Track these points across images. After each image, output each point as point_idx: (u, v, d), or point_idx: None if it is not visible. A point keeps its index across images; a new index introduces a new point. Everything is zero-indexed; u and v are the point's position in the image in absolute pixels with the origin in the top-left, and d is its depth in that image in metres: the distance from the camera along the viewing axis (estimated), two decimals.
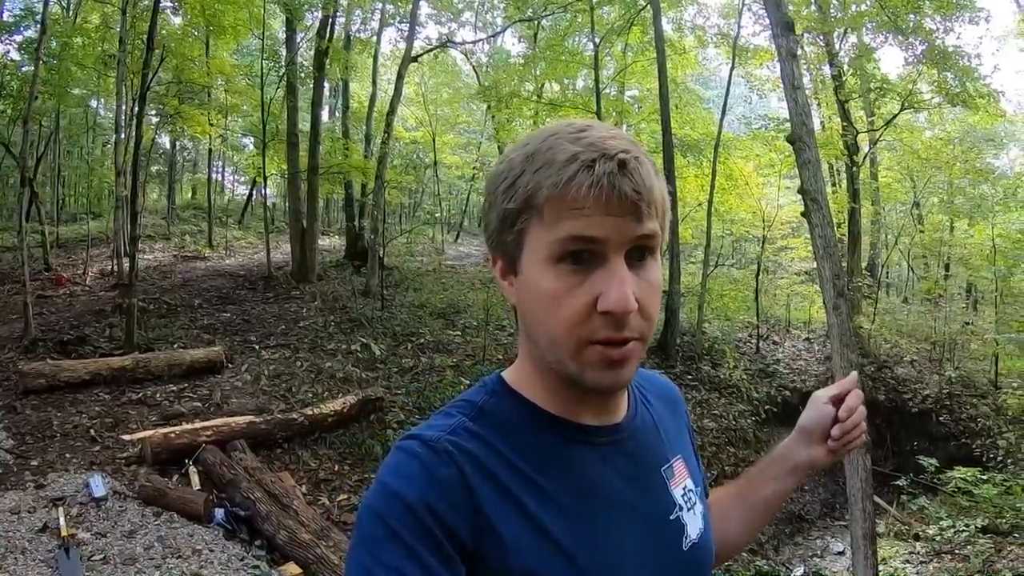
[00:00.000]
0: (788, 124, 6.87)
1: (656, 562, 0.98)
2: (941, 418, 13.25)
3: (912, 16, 13.35)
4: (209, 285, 15.84)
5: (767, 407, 12.76)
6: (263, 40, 18.46)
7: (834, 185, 18.94)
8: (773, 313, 18.00)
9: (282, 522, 6.29)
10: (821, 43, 16.50)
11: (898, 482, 10.56)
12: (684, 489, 1.07)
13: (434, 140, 25.84)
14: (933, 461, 9.99)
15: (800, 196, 6.22)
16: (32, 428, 7.84)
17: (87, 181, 24.59)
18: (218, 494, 6.82)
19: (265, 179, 18.70)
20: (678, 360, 13.30)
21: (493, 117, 22.35)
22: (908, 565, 8.57)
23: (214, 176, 27.99)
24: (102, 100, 23.57)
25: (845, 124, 15.30)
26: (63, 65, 16.09)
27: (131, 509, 6.25)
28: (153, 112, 20.38)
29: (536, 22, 19.15)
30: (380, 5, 20.26)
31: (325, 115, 24.27)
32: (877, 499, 8.08)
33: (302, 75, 17.97)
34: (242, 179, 35.34)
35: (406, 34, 17.88)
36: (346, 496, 7.91)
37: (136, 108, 13.56)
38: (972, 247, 17.56)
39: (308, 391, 10.00)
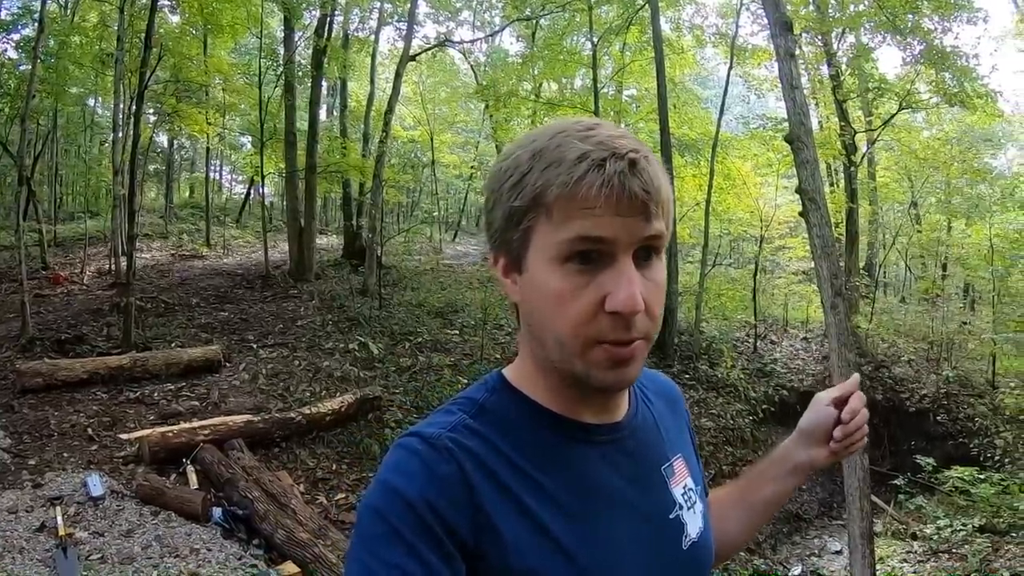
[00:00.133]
0: (786, 124, 6.88)
1: (656, 561, 0.98)
2: (938, 417, 13.27)
3: (910, 16, 13.37)
4: (207, 284, 15.82)
5: (765, 406, 12.77)
6: (261, 39, 18.44)
7: (832, 185, 18.96)
8: (771, 312, 18.01)
9: (280, 521, 6.29)
10: (819, 43, 16.51)
11: (896, 481, 10.57)
12: (684, 488, 1.07)
13: (432, 139, 25.82)
14: (930, 460, 10.02)
15: (798, 195, 6.23)
16: (30, 427, 7.83)
17: (85, 180, 24.53)
18: (216, 493, 6.82)
19: (263, 178, 18.72)
20: (676, 359, 13.31)
21: (491, 116, 22.34)
22: (906, 564, 8.59)
23: (212, 175, 27.98)
24: (100, 99, 23.49)
25: (843, 124, 15.32)
26: (61, 64, 16.06)
27: (129, 508, 6.25)
28: (151, 111, 20.34)
29: (534, 21, 19.17)
30: (378, 4, 20.25)
31: (323, 114, 24.27)
32: (875, 498, 8.10)
33: (300, 74, 17.94)
34: (240, 178, 35.31)
35: (404, 33, 17.86)
36: (344, 495, 7.91)
37: (134, 107, 13.52)
38: (970, 247, 17.60)
39: (306, 390, 10.00)
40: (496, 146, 24.86)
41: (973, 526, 8.80)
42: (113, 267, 15.88)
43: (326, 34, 17.85)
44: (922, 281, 19.26)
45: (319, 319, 13.14)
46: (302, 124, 18.51)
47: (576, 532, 0.90)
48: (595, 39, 16.47)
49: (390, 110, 15.97)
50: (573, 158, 0.84)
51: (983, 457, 11.61)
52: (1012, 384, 13.19)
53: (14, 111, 15.53)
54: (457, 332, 13.54)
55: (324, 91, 22.75)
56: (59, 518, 5.73)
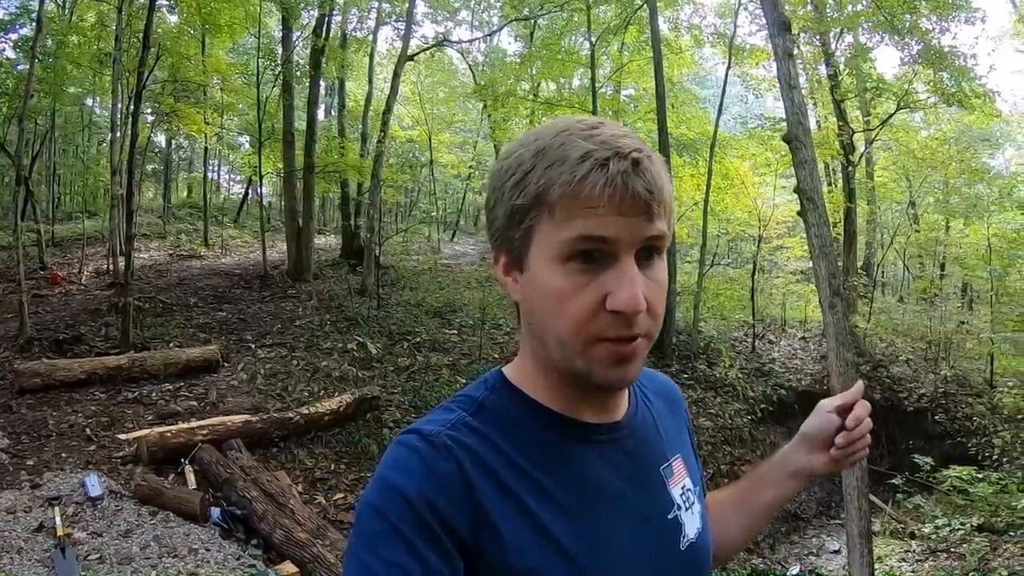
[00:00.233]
0: (784, 123, 6.88)
1: (654, 561, 0.98)
2: (937, 417, 13.29)
3: (908, 16, 13.38)
4: (205, 284, 15.80)
5: (763, 406, 12.78)
6: (259, 38, 18.42)
7: (830, 184, 18.98)
8: (769, 312, 18.02)
9: (278, 521, 6.29)
10: (817, 43, 16.51)
11: (894, 481, 10.57)
12: (683, 488, 1.07)
13: (430, 139, 25.80)
14: (929, 460, 10.03)
15: (796, 195, 6.23)
16: (28, 427, 7.83)
17: (83, 180, 24.49)
18: (214, 493, 6.82)
19: (261, 178, 18.73)
20: (674, 359, 13.31)
21: (489, 116, 22.33)
22: (904, 564, 8.59)
23: (210, 175, 27.92)
24: (98, 98, 23.48)
25: (841, 123, 15.33)
26: (59, 63, 16.03)
27: (127, 508, 6.24)
28: (149, 111, 20.32)
29: (532, 21, 19.16)
30: (376, 4, 20.24)
31: (321, 114, 24.23)
32: (873, 498, 8.10)
33: (298, 74, 17.93)
34: (238, 178, 35.27)
35: (402, 33, 17.86)
36: (342, 495, 7.91)
37: (132, 106, 13.51)
38: (968, 246, 17.63)
39: (304, 390, 9.99)
40: (494, 146, 24.87)
41: (971, 525, 8.81)
42: (111, 267, 15.86)
43: (324, 34, 17.86)
44: (920, 281, 19.30)
45: (317, 319, 13.13)
46: (300, 124, 18.50)
47: (576, 532, 0.90)
48: (593, 39, 16.46)
49: (388, 110, 15.96)
50: (576, 157, 0.84)
51: (981, 456, 11.62)
52: (1010, 383, 13.20)
53: (12, 111, 15.51)
54: (455, 332, 13.54)
55: (322, 91, 22.75)
56: (57, 518, 5.73)
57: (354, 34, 21.67)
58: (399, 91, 17.32)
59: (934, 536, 8.99)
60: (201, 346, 10.86)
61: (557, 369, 0.93)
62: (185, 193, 33.01)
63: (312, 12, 17.60)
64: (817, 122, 18.17)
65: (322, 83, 21.29)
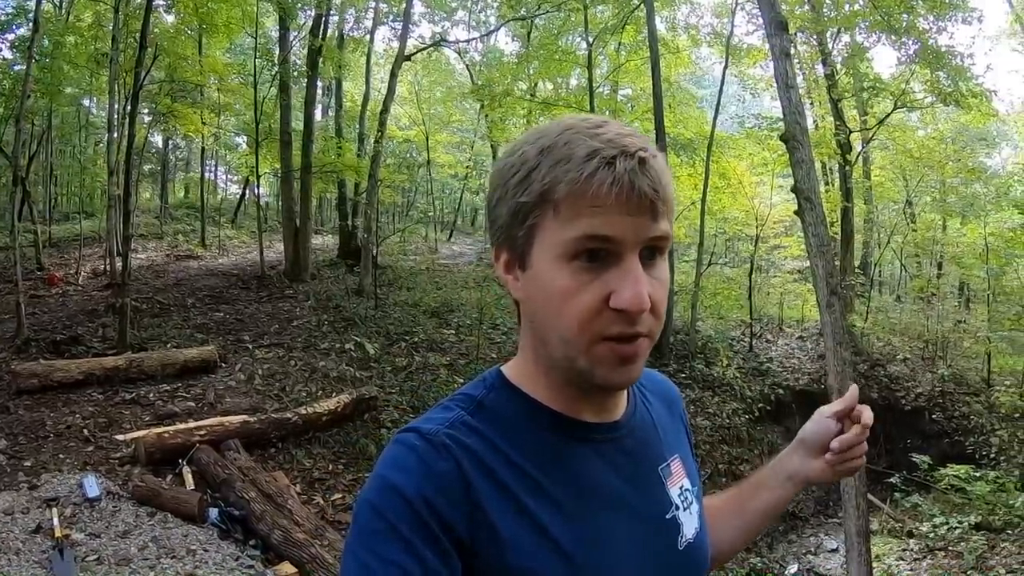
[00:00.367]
0: (781, 123, 6.89)
1: (653, 562, 0.98)
2: (934, 416, 13.31)
3: (905, 16, 13.39)
4: (202, 284, 15.79)
5: (760, 405, 12.78)
6: (256, 39, 18.41)
7: (827, 184, 19.01)
8: (766, 311, 18.03)
9: (277, 522, 6.29)
10: (814, 42, 16.55)
11: (891, 479, 10.58)
12: (681, 489, 1.07)
13: (427, 139, 25.80)
14: (926, 459, 10.05)
15: (793, 195, 6.24)
16: (25, 428, 7.81)
17: (79, 180, 24.48)
18: (212, 494, 6.81)
19: (258, 178, 18.71)
20: (672, 358, 13.32)
21: (486, 116, 22.35)
22: (902, 562, 8.60)
23: (207, 175, 27.87)
24: (95, 99, 23.48)
25: (838, 123, 15.36)
26: (56, 64, 16.00)
27: (125, 509, 6.24)
28: (146, 111, 20.31)
29: (529, 21, 19.16)
30: (373, 4, 20.21)
31: (318, 114, 24.19)
32: (871, 497, 8.11)
33: (295, 74, 17.91)
34: (235, 178, 35.20)
35: (399, 33, 17.85)
36: (341, 495, 7.90)
37: (129, 107, 13.51)
38: (965, 246, 17.64)
39: (302, 390, 9.99)
40: (491, 146, 24.87)
41: (969, 524, 8.83)
42: (108, 268, 15.85)
43: (321, 34, 17.86)
44: (917, 280, 19.30)
45: (315, 319, 13.13)
46: (297, 124, 18.52)
47: (574, 532, 0.89)
48: (590, 39, 16.47)
49: (385, 110, 15.96)
50: (583, 155, 0.83)
51: (978, 455, 11.65)
52: (1007, 382, 13.26)
53: (9, 111, 15.48)
54: (453, 332, 13.54)
55: (319, 91, 22.75)
56: (55, 519, 5.72)
57: (351, 34, 21.72)
58: (396, 91, 17.34)
59: (932, 535, 9.00)
60: (199, 347, 10.84)
61: (558, 368, 0.93)
62: (182, 193, 32.98)
63: (309, 12, 17.61)
64: (814, 121, 18.18)
65: (319, 83, 21.32)
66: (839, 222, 16.80)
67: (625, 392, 1.05)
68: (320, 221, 28.08)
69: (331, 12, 18.56)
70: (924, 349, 15.96)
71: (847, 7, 15.04)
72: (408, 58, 17.72)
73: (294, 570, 5.82)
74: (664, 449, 1.08)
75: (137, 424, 8.23)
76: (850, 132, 15.62)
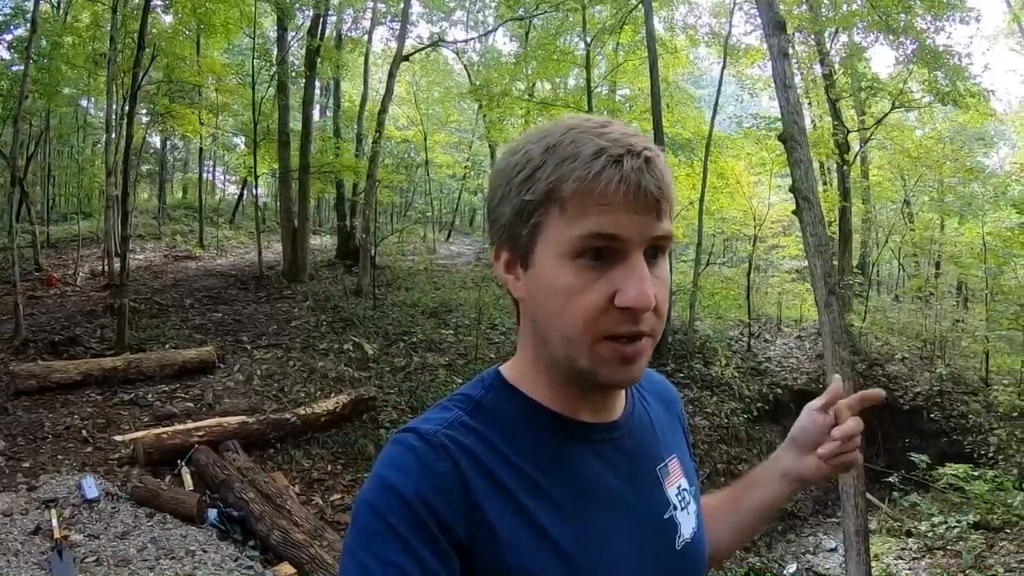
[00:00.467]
0: (779, 123, 6.90)
1: (651, 562, 0.98)
2: (932, 415, 13.31)
3: (903, 16, 13.40)
4: (200, 285, 15.78)
5: (759, 405, 12.80)
6: (254, 39, 18.41)
7: (825, 183, 19.01)
8: (764, 311, 18.05)
9: (276, 522, 6.29)
10: (812, 42, 16.57)
11: (890, 479, 10.60)
12: (678, 488, 1.07)
13: (425, 139, 25.82)
14: (925, 458, 10.06)
15: (791, 194, 6.24)
16: (24, 429, 7.81)
17: (77, 181, 24.46)
18: (211, 495, 6.81)
19: (256, 178, 18.69)
20: (670, 358, 13.33)
21: (484, 116, 22.33)
22: (900, 561, 8.61)
23: (205, 175, 27.89)
24: (92, 99, 23.47)
25: (836, 123, 15.36)
26: (53, 64, 15.99)
27: (124, 510, 6.23)
28: (144, 111, 20.27)
29: (528, 21, 19.16)
30: (371, 4, 20.20)
31: (316, 114, 24.22)
32: (869, 496, 8.12)
33: (293, 74, 17.90)
34: (233, 178, 35.25)
35: (397, 33, 17.84)
36: (339, 496, 7.90)
37: (127, 107, 13.51)
38: (962, 245, 17.67)
39: (300, 391, 9.99)
40: (489, 146, 24.88)
41: (967, 523, 8.84)
42: (106, 268, 15.84)
43: (319, 34, 17.85)
44: (915, 279, 19.31)
45: (313, 320, 13.13)
46: (295, 124, 18.51)
47: (572, 532, 0.89)
48: (588, 39, 16.49)
49: (383, 110, 15.95)
50: (590, 153, 0.84)
51: (977, 454, 11.67)
52: (1005, 381, 13.27)
53: (7, 112, 15.46)
54: (451, 332, 13.54)
55: (317, 91, 22.74)
56: (54, 521, 5.72)
57: (349, 34, 21.71)
58: (394, 91, 17.33)
59: (930, 534, 9.01)
60: (197, 347, 10.83)
61: (559, 367, 0.93)
62: (180, 194, 32.98)
63: (307, 12, 17.59)
64: (812, 121, 18.20)
65: (317, 83, 21.31)
66: (837, 222, 16.80)
67: (623, 392, 1.05)
68: (318, 221, 28.08)
69: (329, 12, 18.56)
70: (922, 348, 15.97)
71: (845, 7, 15.05)
72: (406, 58, 17.73)
73: (293, 571, 5.82)
74: (662, 449, 1.08)
75: (136, 425, 8.22)
76: (848, 132, 15.63)
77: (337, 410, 9.07)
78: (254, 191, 23.41)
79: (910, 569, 8.40)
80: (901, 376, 14.35)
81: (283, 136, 17.24)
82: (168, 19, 17.91)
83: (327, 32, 19.30)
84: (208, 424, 8.04)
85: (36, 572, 5.17)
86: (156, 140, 28.14)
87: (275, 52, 18.16)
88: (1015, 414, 11.80)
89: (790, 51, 6.56)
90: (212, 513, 6.41)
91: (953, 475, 9.52)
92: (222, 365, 10.52)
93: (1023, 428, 11.62)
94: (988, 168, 20.54)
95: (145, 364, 9.69)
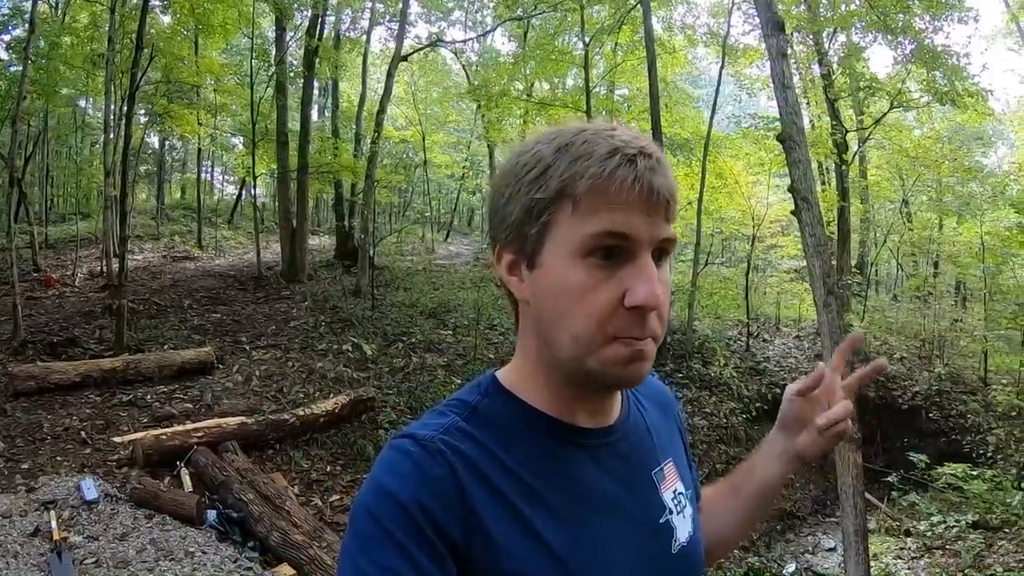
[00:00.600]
0: (778, 123, 6.89)
1: (647, 566, 0.98)
2: (931, 414, 13.33)
3: (901, 16, 13.39)
4: (199, 285, 15.78)
5: (758, 404, 12.80)
6: (252, 39, 18.42)
7: (823, 183, 19.01)
8: (763, 311, 18.06)
9: (275, 523, 6.28)
10: (810, 42, 16.55)
11: (889, 478, 10.61)
12: (674, 492, 1.07)
13: (424, 139, 25.81)
14: (923, 457, 10.07)
15: (790, 194, 6.24)
16: (22, 431, 7.80)
17: (76, 181, 24.44)
18: (210, 496, 6.80)
19: (255, 179, 18.67)
20: (668, 358, 13.33)
21: (483, 116, 22.30)
22: (899, 561, 8.62)
23: (203, 176, 27.86)
24: (91, 100, 23.48)
25: (834, 123, 15.34)
26: (52, 65, 15.99)
27: (123, 512, 6.23)
28: (142, 112, 20.28)
29: (526, 21, 19.15)
30: (370, 4, 20.21)
31: (315, 114, 24.25)
32: (868, 495, 8.12)
33: (291, 74, 17.91)
34: (231, 179, 35.26)
35: (396, 33, 17.83)
36: (339, 497, 7.90)
37: (125, 108, 13.51)
38: (961, 245, 17.68)
39: (299, 391, 9.98)
40: (488, 146, 24.86)
41: (966, 522, 8.85)
42: (105, 269, 15.85)
43: (318, 34, 17.84)
44: (914, 279, 19.33)
45: (312, 320, 13.13)
46: (294, 124, 18.51)
47: (568, 537, 0.90)
48: (587, 39, 16.49)
49: (382, 110, 15.95)
50: (604, 152, 0.85)
51: (975, 454, 11.67)
52: (1004, 381, 13.28)
53: (5, 113, 15.46)
54: (450, 332, 13.54)
55: (316, 91, 22.75)
56: (53, 522, 5.71)
57: (348, 34, 21.68)
58: (393, 91, 17.31)
59: (929, 533, 9.02)
60: (196, 348, 10.83)
61: (563, 369, 0.93)
62: (179, 194, 33.02)
63: (305, 12, 17.58)
64: (810, 121, 18.20)
65: (316, 84, 21.31)
66: (836, 221, 16.80)
67: (619, 396, 1.05)
68: (317, 222, 28.09)
69: (327, 12, 18.55)
70: (921, 348, 15.98)
71: (843, 7, 15.05)
72: (405, 58, 17.72)
73: (293, 572, 5.82)
74: (657, 453, 1.08)
75: (135, 426, 8.22)
76: (846, 132, 15.61)
77: (336, 411, 9.06)
78: (252, 191, 23.43)
79: (909, 568, 8.41)
80: (900, 376, 14.35)
81: (281, 136, 17.24)
82: (166, 19, 17.92)
83: (325, 32, 19.30)
84: (207, 425, 8.04)
85: (35, 574, 5.16)
86: (154, 140, 28.17)
87: (273, 52, 18.17)
88: (1014, 414, 11.81)
89: (788, 51, 6.56)
90: (211, 514, 6.41)
91: (952, 475, 9.52)
92: (221, 366, 10.52)
93: (1022, 428, 11.61)
94: (986, 168, 20.58)
95: (144, 365, 9.68)
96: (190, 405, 9.03)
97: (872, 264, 21.70)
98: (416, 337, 12.85)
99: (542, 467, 0.92)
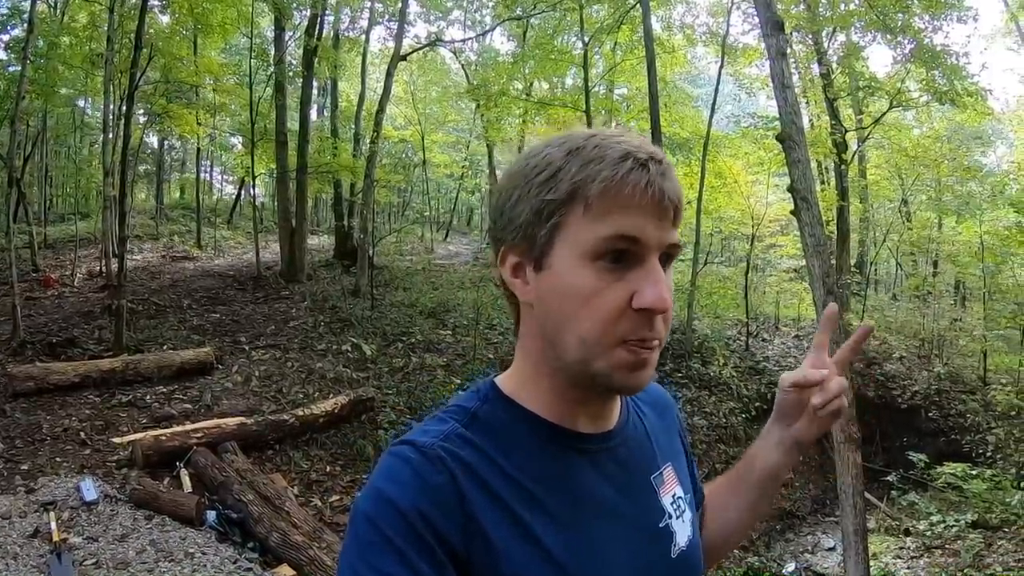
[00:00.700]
0: (777, 122, 6.89)
1: (646, 571, 0.98)
2: (930, 414, 13.33)
3: (901, 15, 13.39)
4: (198, 285, 15.78)
5: (757, 404, 12.80)
6: (251, 39, 18.40)
7: (823, 183, 19.01)
8: (763, 310, 18.07)
9: (275, 524, 6.28)
10: (810, 42, 16.54)
11: (888, 478, 10.62)
12: (673, 497, 1.07)
13: (423, 139, 25.83)
14: (923, 457, 10.07)
15: (789, 194, 6.24)
16: (22, 431, 7.80)
17: (75, 181, 24.47)
18: (210, 496, 6.81)
19: (254, 178, 18.66)
20: (668, 357, 13.32)
21: (482, 116, 22.30)
22: (899, 560, 8.63)
23: (202, 176, 27.83)
24: (90, 99, 23.45)
25: (834, 122, 15.34)
26: (50, 64, 15.98)
27: (122, 512, 6.22)
28: (141, 111, 20.29)
29: (525, 20, 19.15)
30: (369, 3, 20.22)
31: (314, 114, 24.21)
32: (867, 495, 8.13)
33: (291, 74, 17.91)
34: (230, 178, 35.22)
35: (395, 33, 17.84)
36: (338, 497, 7.90)
37: (124, 107, 13.50)
38: (960, 244, 17.68)
39: (299, 392, 9.98)
40: (487, 145, 24.85)
41: (966, 522, 8.86)
42: (104, 269, 15.85)
43: (317, 34, 17.84)
44: (913, 278, 19.33)
45: (311, 320, 13.12)
46: (293, 124, 18.50)
47: (568, 542, 0.90)
48: (586, 38, 16.49)
49: (381, 110, 15.95)
50: (616, 156, 0.86)
51: (975, 453, 11.67)
52: (1003, 380, 13.27)
53: (4, 112, 15.46)
54: (450, 332, 13.54)
55: (315, 91, 22.74)
56: (53, 523, 5.71)
57: (347, 34, 21.67)
58: (392, 91, 17.32)
59: (929, 533, 9.03)
60: (195, 348, 10.83)
61: (567, 372, 0.93)
62: (178, 194, 33.00)
63: (304, 12, 17.59)
64: (810, 120, 18.18)
65: (315, 83, 21.31)
66: (835, 221, 16.82)
67: (618, 401, 1.05)
68: (316, 222, 28.09)
69: (327, 12, 18.56)
70: (920, 347, 15.99)
71: (843, 6, 15.04)
72: (404, 58, 17.72)
73: (292, 572, 5.82)
74: (657, 458, 1.09)
75: (134, 427, 8.22)
76: (846, 131, 15.61)
77: (335, 411, 9.06)
78: (252, 191, 23.43)
79: (908, 568, 8.42)
80: (899, 375, 14.36)
81: (280, 136, 17.24)
82: (165, 19, 17.93)
83: (324, 32, 19.29)
84: (206, 426, 8.04)
85: (35, 575, 5.16)
86: (153, 140, 28.14)
87: (272, 52, 18.16)
88: (1013, 413, 11.81)
89: (788, 51, 6.56)
90: (211, 515, 6.41)
91: (951, 474, 9.53)
92: (220, 366, 10.51)
93: (1021, 427, 11.61)
94: (986, 167, 20.58)
95: (143, 365, 9.68)
96: (189, 406, 9.03)
97: (871, 263, 21.71)
98: (415, 337, 12.85)
99: (542, 473, 0.92)
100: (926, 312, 16.71)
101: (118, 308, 10.78)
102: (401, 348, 12.30)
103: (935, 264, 19.50)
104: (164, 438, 7.51)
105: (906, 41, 13.81)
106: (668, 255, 0.90)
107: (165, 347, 11.05)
